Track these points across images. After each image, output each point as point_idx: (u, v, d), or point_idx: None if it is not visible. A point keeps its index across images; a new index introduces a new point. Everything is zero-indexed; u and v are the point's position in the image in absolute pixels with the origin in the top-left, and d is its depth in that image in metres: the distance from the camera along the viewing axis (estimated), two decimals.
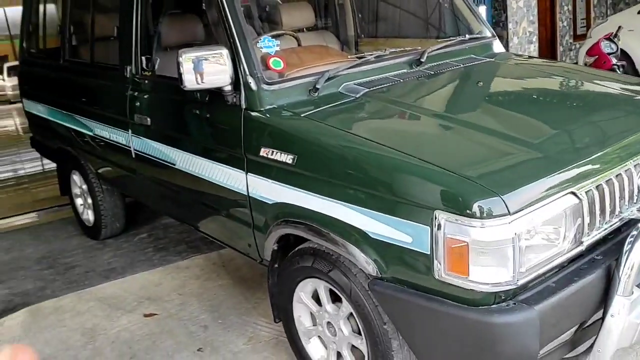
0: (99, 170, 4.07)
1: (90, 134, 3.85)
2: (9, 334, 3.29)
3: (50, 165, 7.30)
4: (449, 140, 2.20)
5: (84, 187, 4.39)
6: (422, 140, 2.24)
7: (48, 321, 3.39)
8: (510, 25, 7.80)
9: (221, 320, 3.21)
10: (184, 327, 3.19)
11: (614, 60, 5.70)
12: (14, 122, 14.43)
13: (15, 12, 27.61)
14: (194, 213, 3.16)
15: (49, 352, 3.08)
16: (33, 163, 7.83)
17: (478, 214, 1.75)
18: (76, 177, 4.49)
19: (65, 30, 4.13)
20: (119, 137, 3.47)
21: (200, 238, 4.30)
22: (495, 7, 7.87)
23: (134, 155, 3.37)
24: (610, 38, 5.93)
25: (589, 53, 5.88)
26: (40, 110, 4.62)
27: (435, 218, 1.82)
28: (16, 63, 21.59)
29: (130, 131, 3.33)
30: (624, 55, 6.94)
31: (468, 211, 1.76)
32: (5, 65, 21.50)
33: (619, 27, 6.19)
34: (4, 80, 20.99)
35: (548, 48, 10.24)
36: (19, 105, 16.53)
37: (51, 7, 4.64)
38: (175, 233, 4.50)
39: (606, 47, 5.77)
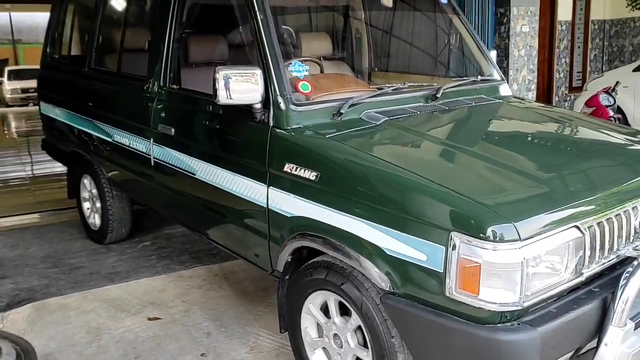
0: (113, 176, 4.19)
1: (109, 140, 3.98)
2: (13, 327, 3.36)
3: (45, 168, 7.47)
4: (465, 170, 2.37)
5: (94, 191, 4.50)
6: (441, 167, 2.40)
7: (53, 317, 3.47)
8: (510, 72, 8.09)
9: (224, 329, 3.31)
10: (187, 332, 3.28)
11: (611, 113, 5.97)
12: (10, 125, 14.46)
13: (20, 17, 27.73)
14: (207, 221, 3.28)
15: (54, 346, 3.16)
16: (24, 167, 7.95)
17: (491, 238, 1.90)
18: (87, 181, 4.61)
19: (93, 40, 4.28)
20: (140, 145, 3.61)
21: (203, 250, 4.42)
22: (498, 53, 8.17)
23: (152, 163, 3.51)
24: (609, 91, 6.21)
25: (588, 104, 6.15)
26: (57, 113, 4.75)
27: (451, 239, 1.97)
28: (17, 67, 21.55)
29: (152, 140, 3.47)
30: (618, 109, 7.22)
31: (482, 234, 1.91)
32: (6, 69, 21.61)
33: (617, 82, 6.49)
34: (1, 83, 21.06)
35: (544, 97, 10.58)
36: (16, 109, 16.56)
37: (78, 17, 4.81)
38: (179, 243, 4.61)
39: (604, 100, 6.05)
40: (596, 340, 2.10)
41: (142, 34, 3.83)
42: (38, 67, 5.19)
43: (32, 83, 17.54)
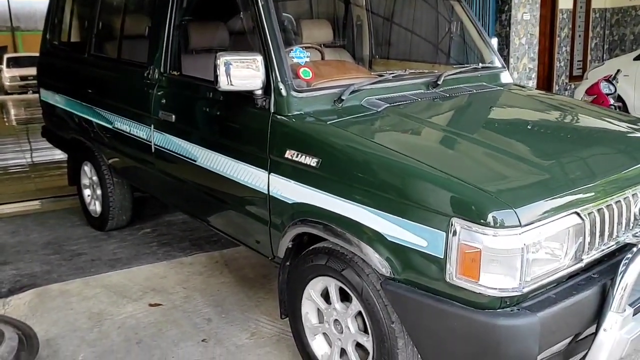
0: (113, 163, 4.19)
1: (110, 126, 3.98)
2: (15, 313, 3.37)
3: (45, 156, 7.47)
4: (466, 156, 2.37)
5: (95, 178, 4.50)
6: (442, 154, 2.41)
7: (55, 303, 3.49)
8: (511, 61, 8.09)
9: (224, 315, 3.33)
10: (188, 318, 3.30)
11: (612, 101, 5.98)
12: (9, 113, 14.41)
13: (18, 4, 27.63)
14: (208, 208, 3.29)
15: (56, 332, 3.18)
16: (24, 154, 7.94)
17: (492, 224, 1.91)
18: (87, 168, 4.61)
19: (93, 26, 4.27)
20: (140, 131, 3.61)
21: (203, 237, 4.44)
22: (499, 42, 8.16)
23: (153, 150, 3.51)
24: (609, 80, 6.21)
25: (589, 92, 6.15)
26: (57, 100, 4.74)
27: (452, 225, 1.97)
28: (16, 55, 21.48)
29: (152, 126, 3.47)
30: (618, 98, 7.22)
31: (483, 220, 1.92)
32: (5, 56, 21.50)
33: (618, 71, 6.48)
34: (0, 70, 20.97)
35: (544, 86, 10.56)
36: (15, 97, 16.58)
37: (78, 3, 4.78)
38: (179, 230, 4.63)
39: (605, 88, 6.05)
40: (595, 326, 2.12)
41: (143, 20, 3.81)
42: (37, 54, 5.18)
43: (31, 70, 17.47)
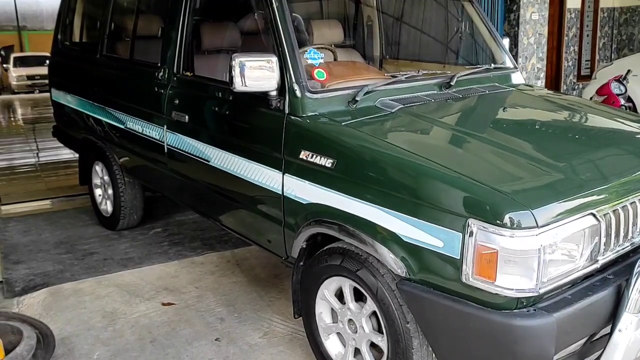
0: (125, 162, 4.22)
1: (121, 127, 4.00)
2: (29, 312, 3.40)
3: (54, 155, 7.50)
4: (481, 157, 2.37)
5: (106, 178, 4.53)
6: (457, 155, 2.42)
7: (69, 302, 3.51)
8: (520, 60, 8.08)
9: (237, 314, 3.35)
10: (201, 317, 3.32)
11: (622, 101, 5.97)
12: (16, 112, 14.45)
13: (25, 4, 27.61)
14: (221, 207, 3.31)
15: (71, 330, 3.20)
16: (33, 154, 7.97)
17: (509, 224, 1.92)
18: (98, 168, 4.63)
19: (105, 27, 4.29)
20: (153, 132, 3.63)
21: (214, 236, 4.45)
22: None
23: (166, 150, 3.53)
24: (620, 80, 6.20)
25: (599, 92, 6.15)
26: (69, 100, 4.77)
27: (468, 226, 1.98)
28: (23, 54, 21.47)
29: (165, 127, 3.49)
30: (628, 99, 7.19)
31: (499, 221, 1.93)
32: (12, 56, 21.56)
33: (629, 71, 6.45)
34: (6, 70, 21.03)
35: (552, 85, 10.53)
36: (22, 96, 16.55)
37: (90, 3, 4.81)
38: (190, 230, 4.65)
39: (615, 88, 6.05)
40: (610, 326, 2.12)
41: (155, 20, 3.84)
42: (43, 54, 5.22)
43: (38, 70, 17.48)
